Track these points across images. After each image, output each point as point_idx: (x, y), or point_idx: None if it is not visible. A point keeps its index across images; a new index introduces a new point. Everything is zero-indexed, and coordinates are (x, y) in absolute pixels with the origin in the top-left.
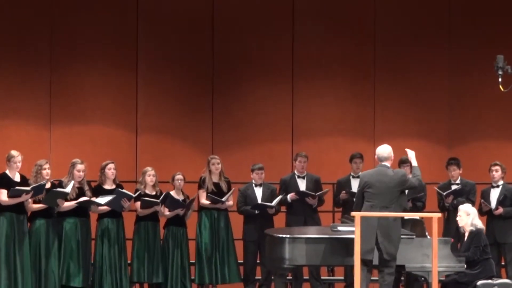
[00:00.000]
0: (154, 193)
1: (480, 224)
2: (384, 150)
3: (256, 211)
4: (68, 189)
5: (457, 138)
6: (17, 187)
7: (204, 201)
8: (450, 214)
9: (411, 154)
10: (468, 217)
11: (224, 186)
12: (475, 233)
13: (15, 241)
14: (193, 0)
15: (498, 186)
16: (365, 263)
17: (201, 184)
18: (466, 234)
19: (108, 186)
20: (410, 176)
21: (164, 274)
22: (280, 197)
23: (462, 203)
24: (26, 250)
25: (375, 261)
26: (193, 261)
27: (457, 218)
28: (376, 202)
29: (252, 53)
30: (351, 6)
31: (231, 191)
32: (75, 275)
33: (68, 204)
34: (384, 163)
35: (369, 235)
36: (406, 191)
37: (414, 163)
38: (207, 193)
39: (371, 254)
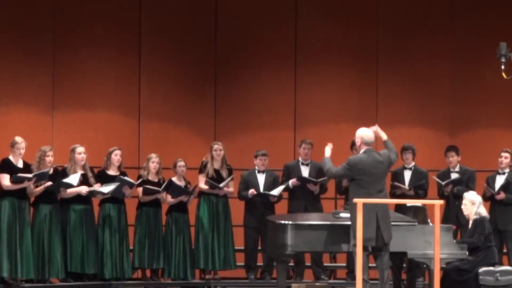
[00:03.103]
0: (156, 180)
1: (484, 212)
2: (369, 133)
3: (249, 195)
4: (74, 181)
5: (459, 125)
6: (19, 174)
7: (203, 185)
8: (449, 201)
9: (379, 130)
10: (473, 206)
11: (225, 173)
12: (479, 221)
13: (17, 227)
14: None
15: (504, 173)
16: (365, 249)
17: (202, 168)
18: (470, 222)
19: (112, 172)
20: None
21: (165, 259)
22: (283, 186)
23: (462, 191)
24: (27, 236)
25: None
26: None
27: (462, 207)
28: (372, 189)
29: (255, 39)
30: None
31: (229, 177)
32: (88, 262)
33: (72, 191)
34: (370, 147)
35: (370, 223)
36: None
37: (384, 136)
38: (206, 178)
39: (372, 241)
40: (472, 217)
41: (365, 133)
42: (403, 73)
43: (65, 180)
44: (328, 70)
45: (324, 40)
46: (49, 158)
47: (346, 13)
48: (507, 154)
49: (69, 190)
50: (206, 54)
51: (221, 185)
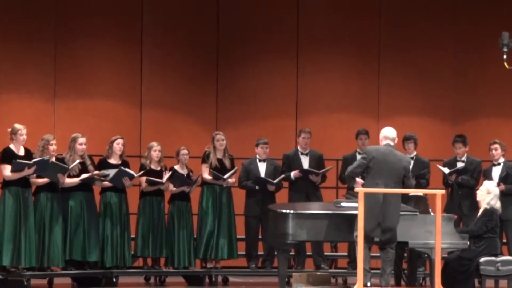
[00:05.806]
0: (159, 168)
1: (497, 205)
2: (392, 131)
3: (257, 187)
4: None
5: (461, 115)
6: (18, 160)
7: (207, 176)
8: (453, 190)
9: None
10: (488, 196)
11: (227, 163)
12: (489, 211)
13: (21, 216)
14: None
15: (499, 164)
16: (368, 240)
17: (204, 159)
18: (481, 210)
19: (114, 161)
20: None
21: (168, 249)
22: (282, 176)
23: (467, 180)
24: (31, 224)
25: (376, 238)
26: (195, 236)
27: (477, 191)
28: (380, 180)
29: (257, 28)
30: None
31: (234, 169)
32: (90, 250)
33: (71, 181)
34: (391, 142)
35: (374, 213)
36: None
37: None
38: (210, 169)
39: (375, 232)
40: (483, 205)
41: (388, 130)
42: (405, 62)
43: (60, 163)
44: (330, 59)
45: (326, 29)
46: (53, 147)
47: (348, 2)
48: (496, 146)
49: (68, 181)
50: (208, 43)
51: (225, 176)
